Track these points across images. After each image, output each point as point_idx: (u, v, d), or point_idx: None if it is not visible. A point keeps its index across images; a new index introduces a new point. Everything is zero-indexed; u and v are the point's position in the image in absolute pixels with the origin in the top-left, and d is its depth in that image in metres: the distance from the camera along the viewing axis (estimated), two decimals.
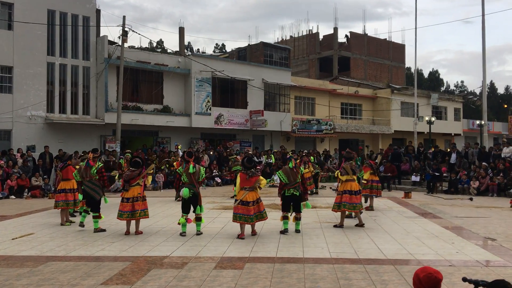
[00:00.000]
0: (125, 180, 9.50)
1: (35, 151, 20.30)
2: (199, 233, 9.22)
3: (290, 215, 9.57)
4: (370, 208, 13.12)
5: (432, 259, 7.32)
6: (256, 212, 8.89)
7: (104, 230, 9.63)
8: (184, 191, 9.08)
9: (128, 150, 16.88)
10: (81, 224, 9.91)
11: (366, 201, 13.19)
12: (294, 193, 9.52)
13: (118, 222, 9.51)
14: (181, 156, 17.36)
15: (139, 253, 7.70)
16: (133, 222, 9.44)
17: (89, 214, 9.96)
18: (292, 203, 9.54)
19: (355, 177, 10.42)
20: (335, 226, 10.28)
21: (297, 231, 9.55)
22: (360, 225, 10.23)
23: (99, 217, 9.73)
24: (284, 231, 9.40)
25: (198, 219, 9.28)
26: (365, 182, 13.19)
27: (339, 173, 10.41)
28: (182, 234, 9.17)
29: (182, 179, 9.36)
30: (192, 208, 9.27)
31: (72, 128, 22.57)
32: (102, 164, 10.32)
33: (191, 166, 9.22)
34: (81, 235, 9.35)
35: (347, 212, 10.49)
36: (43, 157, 19.36)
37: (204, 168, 9.82)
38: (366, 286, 5.87)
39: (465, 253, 7.77)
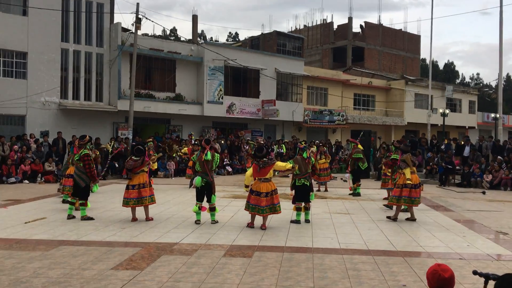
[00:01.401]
0: (127, 169, 9.43)
1: (49, 137, 20.50)
2: (214, 222, 9.19)
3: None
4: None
5: (442, 252, 7.27)
6: (269, 204, 8.66)
7: (92, 219, 9.40)
8: (197, 180, 9.04)
9: (150, 139, 16.82)
10: (70, 216, 9.50)
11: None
12: (305, 183, 9.51)
13: (128, 209, 9.54)
14: (193, 143, 17.42)
15: (149, 239, 7.76)
16: (141, 209, 9.46)
17: (73, 205, 9.64)
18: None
19: (415, 169, 10.12)
20: (388, 217, 10.04)
21: (307, 221, 9.55)
22: (412, 219, 9.92)
23: (85, 204, 9.46)
24: (295, 221, 9.39)
25: (212, 209, 9.22)
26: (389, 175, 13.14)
27: (400, 167, 10.08)
28: (197, 222, 9.20)
29: (195, 167, 9.30)
30: (206, 197, 9.21)
31: (85, 114, 22.73)
32: (87, 152, 9.55)
33: (209, 152, 9.11)
34: (90, 220, 9.40)
35: (403, 206, 10.21)
36: (56, 143, 19.55)
37: (219, 156, 9.69)
38: (375, 277, 5.85)
39: (476, 246, 7.70)
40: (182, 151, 17.05)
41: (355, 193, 14.19)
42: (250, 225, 8.87)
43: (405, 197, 9.81)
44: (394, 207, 10.40)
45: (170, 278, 5.69)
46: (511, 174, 17.89)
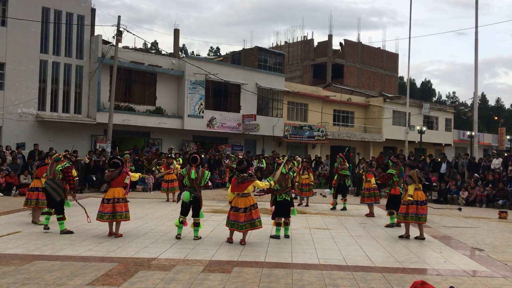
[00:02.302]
0: (106, 181, 9.33)
1: (25, 149, 20.13)
2: (196, 238, 9.05)
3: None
4: (372, 215, 13.32)
5: (419, 268, 7.34)
6: (248, 220, 8.57)
7: (71, 232, 9.28)
8: (185, 195, 8.92)
9: (127, 151, 16.65)
10: (46, 227, 9.45)
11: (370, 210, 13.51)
12: (286, 198, 9.50)
13: (104, 223, 9.37)
14: (168, 156, 17.32)
15: (126, 254, 7.64)
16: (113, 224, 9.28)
17: (51, 215, 9.62)
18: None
19: (420, 186, 9.85)
20: (400, 236, 9.85)
21: (286, 236, 9.54)
22: (421, 238, 9.75)
23: (63, 218, 9.35)
24: (275, 237, 9.37)
25: (196, 225, 9.08)
26: (369, 190, 13.30)
27: (405, 182, 9.82)
28: (177, 236, 9.09)
29: (184, 181, 9.21)
30: (191, 212, 9.08)
31: (63, 126, 22.42)
32: (68, 164, 9.67)
33: (193, 171, 9.04)
34: (69, 234, 9.23)
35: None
36: (32, 155, 19.18)
37: (208, 173, 9.59)
38: None
39: (453, 262, 7.80)
40: (160, 172, 16.95)
41: (343, 209, 14.50)
42: (229, 240, 8.81)
43: (412, 214, 9.57)
44: (403, 225, 10.25)
45: None
46: (486, 191, 18.24)
